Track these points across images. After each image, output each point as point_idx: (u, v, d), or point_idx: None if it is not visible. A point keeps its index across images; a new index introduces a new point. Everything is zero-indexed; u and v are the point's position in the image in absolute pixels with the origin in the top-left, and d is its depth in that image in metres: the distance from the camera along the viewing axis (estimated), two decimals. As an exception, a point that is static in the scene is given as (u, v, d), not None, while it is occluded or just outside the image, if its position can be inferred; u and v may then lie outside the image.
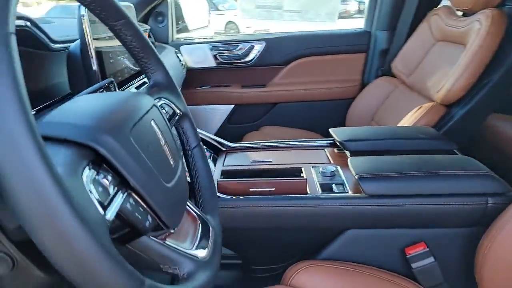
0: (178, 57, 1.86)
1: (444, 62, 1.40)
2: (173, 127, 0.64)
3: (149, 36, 1.81)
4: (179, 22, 2.16)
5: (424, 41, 1.61)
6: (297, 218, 0.89)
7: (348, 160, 0.96)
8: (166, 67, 0.64)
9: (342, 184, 0.95)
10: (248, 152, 1.19)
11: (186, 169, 0.68)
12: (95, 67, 0.78)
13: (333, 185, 0.94)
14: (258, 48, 1.98)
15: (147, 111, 0.47)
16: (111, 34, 0.89)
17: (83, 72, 0.81)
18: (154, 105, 0.51)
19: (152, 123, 0.47)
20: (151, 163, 0.42)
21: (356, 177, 0.88)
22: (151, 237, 0.45)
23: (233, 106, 2.07)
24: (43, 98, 0.73)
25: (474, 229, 0.85)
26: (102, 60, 0.83)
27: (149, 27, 1.80)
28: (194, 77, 2.04)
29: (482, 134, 1.29)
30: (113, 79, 0.74)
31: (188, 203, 0.58)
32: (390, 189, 0.86)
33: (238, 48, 1.99)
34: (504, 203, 0.81)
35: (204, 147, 1.09)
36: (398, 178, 0.86)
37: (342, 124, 1.89)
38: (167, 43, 1.97)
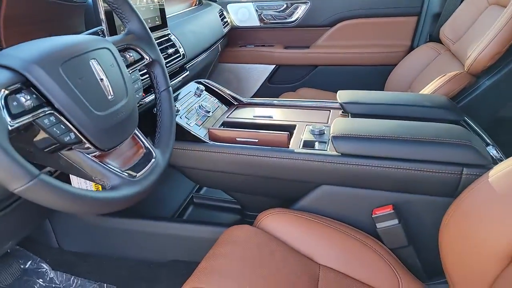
0: (222, 15, 1.93)
1: (489, 28, 1.27)
2: (138, 71, 0.74)
3: (197, -7, 1.90)
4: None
5: (477, 4, 1.46)
6: (275, 169, 0.95)
7: (334, 120, 0.98)
8: (140, 17, 0.73)
9: (326, 142, 0.97)
10: (256, 108, 1.25)
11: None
12: (102, 16, 0.89)
13: (316, 143, 0.97)
14: (302, 8, 1.97)
15: (88, 52, 0.56)
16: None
17: (96, 23, 0.94)
18: (106, 48, 0.61)
19: (93, 62, 0.57)
20: (79, 92, 0.53)
21: (331, 135, 0.90)
22: (84, 153, 0.56)
23: (274, 66, 2.11)
24: None
25: (445, 199, 0.83)
26: (112, 13, 0.94)
27: (196, -15, 1.89)
28: (238, 36, 2.10)
29: None
30: (103, 27, 0.85)
31: (138, 134, 0.68)
32: (361, 149, 0.87)
33: (282, 8, 1.99)
34: (480, 175, 0.78)
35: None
36: (371, 139, 0.86)
37: (382, 90, 1.83)
38: (215, 1, 2.04)
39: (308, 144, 0.97)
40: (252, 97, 2.19)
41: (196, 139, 1.00)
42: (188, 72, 1.30)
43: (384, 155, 0.85)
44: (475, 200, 0.72)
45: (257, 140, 0.98)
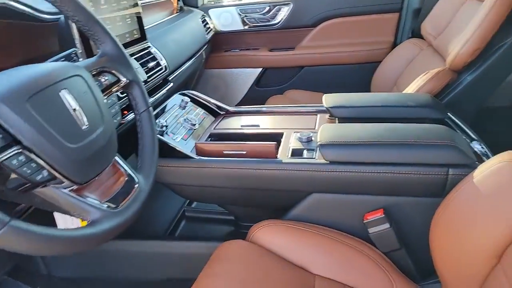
0: (205, 20, 1.92)
1: (468, 23, 1.28)
2: (116, 93, 0.72)
3: (178, 0, 1.88)
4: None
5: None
6: (265, 180, 0.94)
7: (321, 126, 0.98)
8: (114, 38, 0.71)
9: (314, 150, 0.97)
10: (243, 116, 1.24)
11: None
12: (75, 37, 0.87)
13: (305, 151, 0.97)
14: (285, 10, 1.96)
15: (58, 82, 0.54)
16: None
17: (72, 41, 0.92)
18: (77, 75, 0.59)
19: (63, 92, 0.55)
20: (50, 127, 0.51)
21: (318, 143, 0.90)
22: (60, 188, 0.54)
23: (261, 69, 2.10)
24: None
25: (434, 200, 0.83)
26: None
27: (177, -8, 1.87)
28: (223, 41, 2.09)
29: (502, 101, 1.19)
30: (76, 49, 0.83)
31: (118, 160, 0.67)
32: (348, 156, 0.86)
33: (265, 11, 1.98)
34: (466, 174, 0.78)
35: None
36: (358, 145, 0.86)
37: (368, 88, 1.83)
38: (196, 7, 2.03)
39: (296, 153, 0.97)
40: (241, 101, 2.19)
41: (182, 155, 0.98)
42: (172, 84, 1.28)
43: (372, 160, 0.85)
44: (462, 200, 0.72)
45: (245, 152, 0.97)
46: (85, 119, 0.57)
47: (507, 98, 1.52)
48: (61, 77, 0.56)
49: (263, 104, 1.84)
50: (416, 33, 1.71)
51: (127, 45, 1.08)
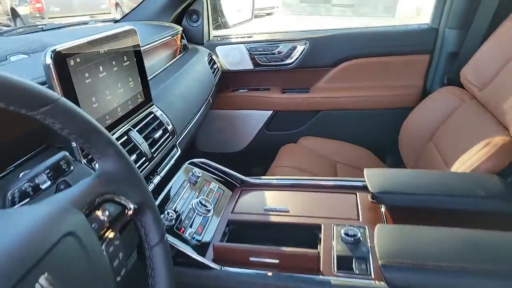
0: (212, 59, 1.72)
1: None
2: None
3: (181, 38, 1.69)
4: (218, 17, 2.00)
5: (505, 46, 1.28)
6: None
7: (376, 229, 0.76)
8: (118, 148, 0.49)
9: (366, 259, 0.75)
10: (265, 192, 1.03)
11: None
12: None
13: (354, 260, 0.76)
14: (300, 49, 1.76)
15: (32, 268, 0.33)
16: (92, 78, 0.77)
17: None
18: (67, 234, 0.38)
19: (42, 280, 0.33)
20: None
21: (380, 262, 0.68)
22: None
23: (272, 112, 1.89)
24: (18, 152, 0.64)
25: None
26: (78, 105, 0.71)
27: (181, 29, 1.67)
28: (230, 80, 1.89)
29: None
30: (66, 153, 0.61)
31: None
32: (424, 285, 0.65)
33: (278, 49, 1.78)
34: None
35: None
36: (438, 272, 0.64)
37: (395, 138, 1.63)
38: (202, 44, 1.83)
39: (344, 264, 0.75)
40: (248, 145, 1.98)
41: (198, 265, 0.77)
42: (179, 152, 1.07)
43: None
44: None
45: (277, 261, 0.76)
46: None
47: None
48: (39, 254, 0.34)
49: (275, 152, 1.64)
50: (452, 80, 1.53)
51: (129, 114, 0.87)
